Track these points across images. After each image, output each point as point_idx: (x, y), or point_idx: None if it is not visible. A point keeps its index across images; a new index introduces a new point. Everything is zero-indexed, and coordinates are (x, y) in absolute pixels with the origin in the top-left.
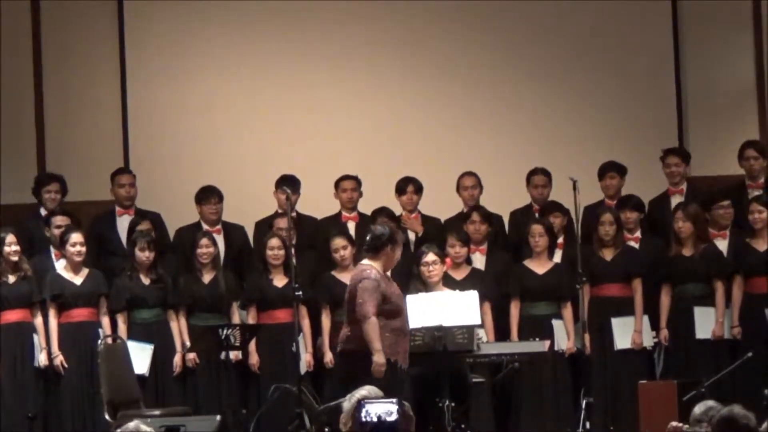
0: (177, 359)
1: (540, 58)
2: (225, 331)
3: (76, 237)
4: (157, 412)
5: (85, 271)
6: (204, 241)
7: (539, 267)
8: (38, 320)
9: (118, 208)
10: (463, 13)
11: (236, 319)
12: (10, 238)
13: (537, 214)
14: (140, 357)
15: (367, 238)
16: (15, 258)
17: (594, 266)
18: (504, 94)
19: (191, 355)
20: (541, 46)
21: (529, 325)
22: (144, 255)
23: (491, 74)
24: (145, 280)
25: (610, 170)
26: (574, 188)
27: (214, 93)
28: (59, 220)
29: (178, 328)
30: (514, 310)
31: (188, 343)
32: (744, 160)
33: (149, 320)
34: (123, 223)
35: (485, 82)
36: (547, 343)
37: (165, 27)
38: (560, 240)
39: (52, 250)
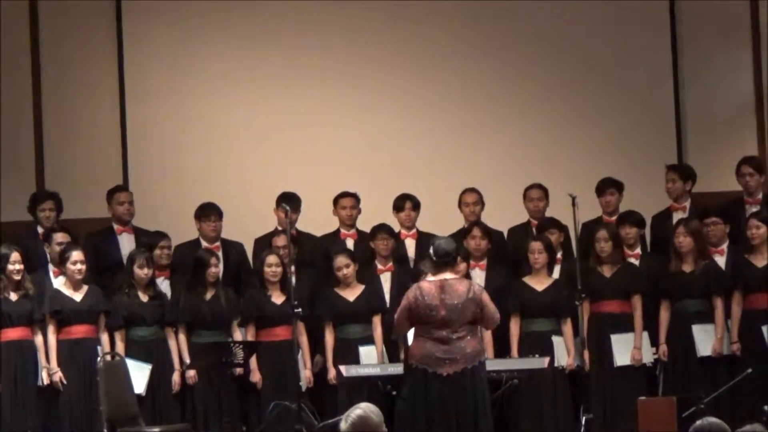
0: (176, 377)
1: (539, 75)
2: (227, 348)
3: (76, 255)
4: (156, 430)
5: (85, 288)
6: (213, 260)
7: (538, 283)
8: (39, 338)
9: (117, 226)
10: (462, 30)
11: (237, 336)
12: (15, 255)
13: (534, 230)
14: (138, 376)
15: (441, 254)
16: (18, 276)
17: (593, 283)
18: (503, 111)
19: (191, 373)
20: (540, 63)
21: (529, 341)
22: (143, 272)
23: (490, 91)
24: (143, 298)
25: (609, 186)
26: (573, 204)
27: (214, 110)
28: (60, 237)
29: (177, 345)
30: (514, 326)
31: (188, 361)
32: (740, 176)
33: (147, 338)
34: (123, 240)
35: (484, 99)
36: (547, 359)
37: (164, 45)
38: (558, 256)
39: (50, 267)
